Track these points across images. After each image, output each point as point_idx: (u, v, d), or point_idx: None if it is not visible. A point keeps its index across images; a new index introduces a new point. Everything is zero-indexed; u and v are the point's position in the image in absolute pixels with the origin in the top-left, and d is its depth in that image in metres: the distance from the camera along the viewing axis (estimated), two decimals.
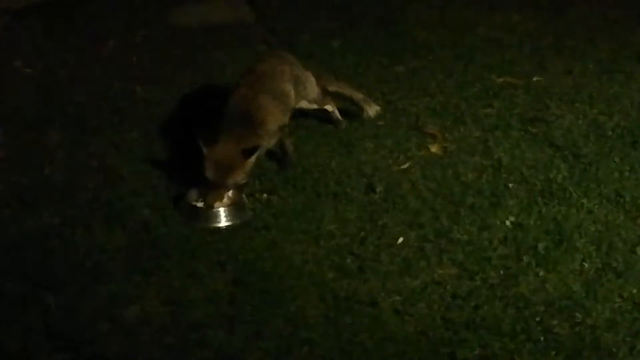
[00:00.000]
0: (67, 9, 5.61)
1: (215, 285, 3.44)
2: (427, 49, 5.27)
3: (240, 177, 3.74)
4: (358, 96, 4.45)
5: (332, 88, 4.41)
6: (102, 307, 3.33)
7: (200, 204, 3.83)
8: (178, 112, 4.53)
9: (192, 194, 3.86)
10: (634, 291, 3.38)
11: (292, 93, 4.12)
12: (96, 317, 3.28)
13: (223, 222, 3.79)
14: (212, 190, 3.77)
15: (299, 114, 4.34)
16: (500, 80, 4.91)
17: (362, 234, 3.72)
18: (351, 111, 4.50)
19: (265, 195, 3.95)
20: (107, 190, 3.99)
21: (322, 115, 4.43)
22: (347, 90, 4.44)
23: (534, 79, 4.92)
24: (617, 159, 4.16)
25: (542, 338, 3.19)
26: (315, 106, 4.33)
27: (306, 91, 4.23)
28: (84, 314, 3.30)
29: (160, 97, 4.71)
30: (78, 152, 4.26)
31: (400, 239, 3.69)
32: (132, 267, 3.53)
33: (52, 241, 3.65)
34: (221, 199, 3.76)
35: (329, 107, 4.38)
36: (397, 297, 3.39)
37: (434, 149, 4.30)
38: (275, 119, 3.95)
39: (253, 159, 3.73)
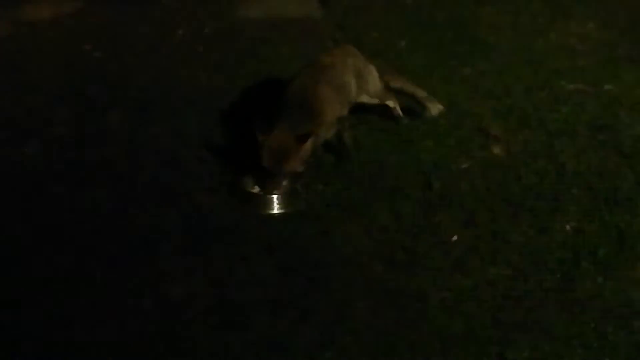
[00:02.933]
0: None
1: (263, 269, 3.41)
2: (496, 52, 5.16)
3: (295, 165, 3.70)
4: (421, 94, 4.37)
5: (395, 84, 4.34)
6: (149, 284, 3.32)
7: (254, 190, 3.79)
8: (239, 102, 4.51)
9: (247, 180, 3.84)
10: None
11: (353, 86, 4.08)
12: (142, 293, 3.27)
13: (276, 209, 3.75)
14: (268, 178, 3.72)
15: (361, 109, 4.29)
16: (570, 86, 4.77)
17: (416, 230, 3.64)
18: (414, 109, 4.42)
19: (320, 186, 3.90)
20: (165, 172, 3.99)
21: (384, 111, 4.36)
22: (411, 88, 4.37)
23: (605, 87, 4.76)
24: None
25: (595, 344, 3.07)
26: (376, 101, 4.27)
27: (368, 85, 4.18)
28: (130, 289, 3.29)
29: (223, 87, 4.70)
30: (139, 134, 4.28)
31: (455, 237, 3.60)
32: (182, 248, 3.51)
33: (105, 218, 3.66)
34: (278, 187, 3.72)
35: (390, 103, 4.32)
36: (447, 294, 3.31)
37: (496, 150, 4.20)
38: (333, 109, 3.91)
39: (308, 146, 3.69)
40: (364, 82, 4.15)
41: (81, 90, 4.62)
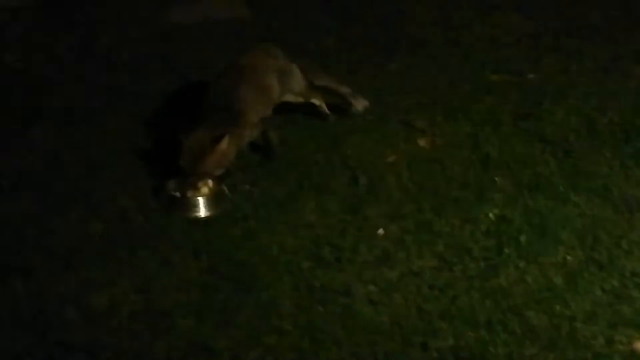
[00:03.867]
0: (63, 8, 5.59)
1: (189, 273, 3.39)
2: (422, 46, 5.21)
3: (210, 166, 3.68)
4: (345, 90, 4.39)
5: (319, 82, 4.35)
6: (72, 293, 3.28)
7: (178, 194, 3.76)
8: (165, 106, 4.49)
9: (172, 184, 3.81)
10: (616, 284, 3.29)
11: (276, 86, 4.08)
12: (65, 303, 3.23)
13: (202, 212, 3.73)
14: (189, 180, 3.71)
15: (287, 108, 4.29)
16: (494, 77, 4.83)
17: (342, 225, 3.65)
18: (339, 106, 4.43)
19: (247, 186, 3.89)
20: (88, 180, 3.95)
21: (309, 110, 4.36)
22: (334, 85, 4.39)
23: (529, 76, 4.83)
24: (607, 154, 4.08)
25: (518, 329, 3.10)
26: (301, 99, 4.28)
27: (291, 84, 4.18)
28: (53, 300, 3.25)
29: (149, 91, 4.66)
30: (61, 144, 4.22)
31: (381, 230, 3.61)
32: (106, 255, 3.48)
33: (26, 228, 3.61)
34: (194, 188, 3.72)
35: (315, 101, 4.33)
36: (373, 288, 3.32)
37: (422, 143, 4.23)
38: (255, 110, 3.91)
39: (223, 147, 3.67)
40: (287, 81, 4.15)
41: (3, 103, 4.54)
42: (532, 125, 4.34)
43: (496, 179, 3.92)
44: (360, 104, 4.39)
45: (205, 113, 3.84)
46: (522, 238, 3.53)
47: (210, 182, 3.79)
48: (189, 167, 3.68)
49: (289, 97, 4.21)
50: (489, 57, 5.08)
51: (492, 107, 4.52)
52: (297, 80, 4.21)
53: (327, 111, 4.36)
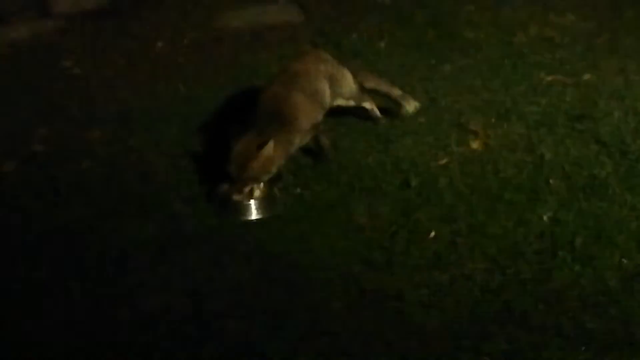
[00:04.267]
0: (119, 14, 5.69)
1: (240, 276, 3.41)
2: (476, 48, 5.16)
3: (254, 171, 3.69)
4: (396, 92, 4.37)
5: (369, 85, 4.33)
6: (125, 296, 3.32)
7: (231, 197, 3.79)
8: (219, 110, 4.52)
9: (224, 187, 3.83)
10: None
11: (327, 91, 4.07)
12: (118, 306, 3.27)
13: (253, 215, 3.76)
14: (237, 184, 3.73)
15: (338, 112, 4.28)
16: (549, 78, 4.76)
17: (394, 228, 3.64)
18: (391, 109, 4.41)
19: (298, 189, 3.90)
20: (143, 184, 4.00)
21: (361, 113, 4.35)
22: (385, 87, 4.37)
23: (584, 77, 4.75)
24: None
25: (572, 333, 3.06)
26: (352, 103, 4.26)
27: (342, 89, 4.17)
28: (106, 302, 3.29)
29: (203, 96, 4.71)
30: (118, 148, 4.28)
31: (432, 233, 3.59)
32: (159, 258, 3.52)
33: (81, 232, 3.67)
34: (240, 192, 3.73)
35: (367, 105, 4.31)
36: (425, 291, 3.30)
37: (474, 145, 4.19)
38: (307, 117, 3.91)
39: (266, 152, 3.67)
40: (338, 86, 4.14)
41: (61, 108, 4.62)
42: (588, 126, 4.27)
43: (550, 181, 3.86)
44: (411, 106, 4.36)
45: (257, 119, 3.84)
46: (577, 241, 3.48)
47: (261, 185, 3.79)
48: (234, 172, 3.70)
49: (340, 101, 4.20)
50: (543, 58, 5.01)
51: (547, 108, 4.46)
52: (348, 85, 4.20)
53: (378, 114, 4.34)
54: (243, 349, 3.08)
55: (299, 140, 3.89)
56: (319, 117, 4.01)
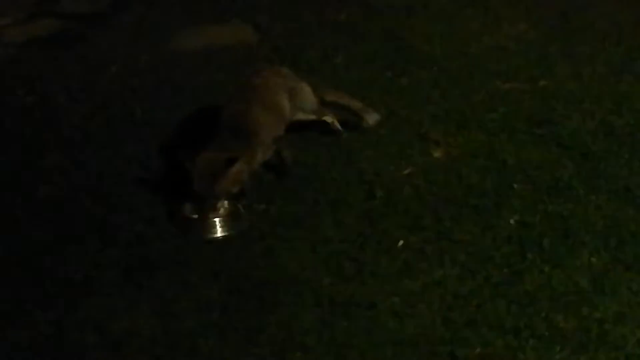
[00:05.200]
0: (71, 40, 5.60)
1: (208, 294, 3.35)
2: (432, 60, 5.15)
3: (225, 187, 3.65)
4: (357, 105, 4.36)
5: (329, 98, 4.32)
6: (91, 320, 3.24)
7: (194, 216, 3.73)
8: (177, 131, 4.45)
9: (187, 207, 3.78)
10: None
11: (287, 105, 4.05)
12: (84, 330, 3.19)
13: (218, 232, 3.70)
14: (204, 202, 3.67)
15: (299, 126, 4.25)
16: (506, 86, 4.79)
17: (361, 239, 3.61)
18: (351, 122, 4.39)
19: (263, 205, 3.85)
20: (103, 207, 3.91)
21: (322, 127, 4.32)
22: (345, 100, 4.35)
23: (541, 83, 4.78)
24: (626, 156, 4.04)
25: (546, 333, 3.05)
26: (313, 117, 4.24)
27: (302, 103, 4.15)
28: (72, 328, 3.21)
29: (160, 118, 4.63)
30: (74, 172, 4.19)
31: (401, 242, 3.56)
32: (124, 280, 3.45)
33: (43, 258, 3.58)
34: (213, 210, 3.67)
35: (327, 118, 4.29)
36: (396, 299, 3.28)
37: (437, 154, 4.18)
38: (268, 130, 3.88)
39: (239, 167, 3.63)
40: (298, 100, 4.12)
41: (15, 136, 4.53)
42: (548, 131, 4.29)
43: (514, 185, 3.86)
44: (372, 118, 4.35)
45: (217, 135, 3.80)
46: (545, 242, 3.49)
47: (225, 203, 3.74)
48: (203, 190, 3.65)
49: (301, 116, 4.18)
50: (499, 66, 5.02)
51: (506, 115, 4.47)
52: (308, 98, 4.18)
53: (339, 127, 4.32)
54: None
55: (262, 154, 3.86)
56: (281, 131, 3.98)
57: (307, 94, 4.17)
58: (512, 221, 3.63)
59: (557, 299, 3.21)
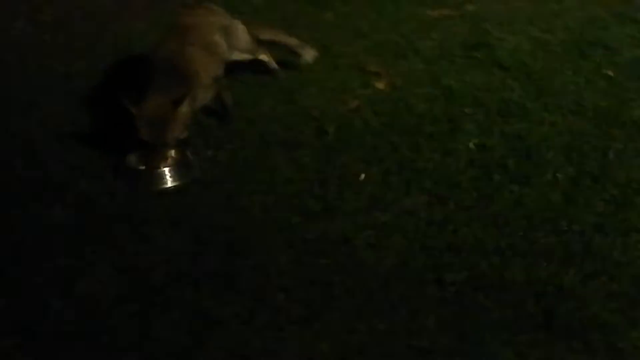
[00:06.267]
0: None
1: (174, 245, 3.16)
2: None
3: (176, 132, 3.45)
4: (293, 41, 4.20)
5: (264, 36, 4.14)
6: (53, 283, 3.01)
7: (142, 167, 3.52)
8: (102, 82, 4.19)
9: (132, 158, 3.56)
10: (615, 193, 3.22)
11: (223, 43, 3.85)
12: (48, 294, 2.96)
13: (169, 182, 3.50)
14: (152, 151, 3.46)
15: (234, 68, 4.05)
16: (435, 13, 4.71)
17: (322, 176, 3.48)
18: (288, 60, 4.22)
19: (210, 151, 3.67)
20: (37, 168, 3.64)
21: (258, 67, 4.15)
22: (281, 37, 4.19)
23: (469, 8, 4.73)
24: (569, 72, 4.04)
25: (529, 251, 3.00)
26: (248, 56, 4.05)
27: (237, 41, 3.96)
28: (32, 294, 2.97)
29: (81, 70, 4.36)
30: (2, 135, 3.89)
31: (363, 176, 3.45)
32: (78, 240, 3.21)
33: None
34: (165, 159, 3.47)
35: (264, 57, 4.11)
36: (370, 232, 3.17)
37: (380, 85, 4.09)
38: (206, 70, 3.67)
39: (185, 109, 3.43)
40: (233, 38, 3.93)
41: None
42: (486, 54, 4.26)
43: (465, 110, 3.79)
44: (310, 54, 4.20)
45: (153, 79, 3.56)
46: (509, 163, 3.45)
47: (173, 152, 3.54)
48: (152, 137, 3.43)
49: (236, 55, 3.98)
50: None
51: (441, 42, 4.42)
52: (243, 37, 3.99)
53: (275, 66, 4.16)
54: (190, 319, 2.84)
55: (203, 96, 3.65)
56: (218, 71, 3.78)
57: (242, 32, 3.99)
58: (471, 145, 3.57)
59: (532, 216, 3.17)
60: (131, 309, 2.90)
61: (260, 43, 4.11)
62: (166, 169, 3.50)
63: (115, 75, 4.21)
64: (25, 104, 4.10)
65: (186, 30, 3.79)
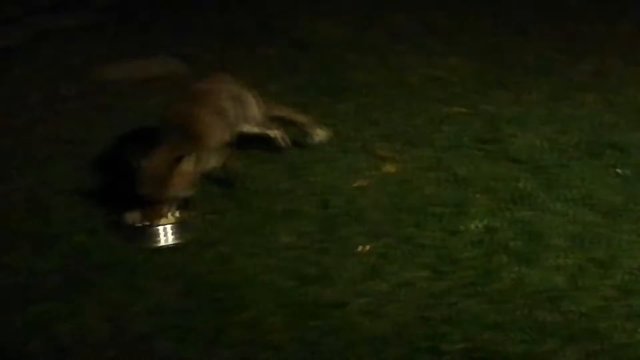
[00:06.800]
0: None
1: (163, 298, 3.07)
2: (369, 87, 5.08)
3: (175, 189, 3.39)
4: (304, 119, 4.19)
5: (276, 112, 4.13)
6: (35, 326, 2.92)
7: (138, 224, 3.45)
8: (109, 148, 4.18)
9: (131, 215, 3.50)
10: (624, 278, 3.12)
11: (232, 111, 3.83)
12: (28, 336, 2.87)
13: (162, 241, 3.42)
14: (150, 207, 3.40)
15: (243, 142, 4.03)
16: (448, 109, 4.72)
17: (322, 245, 3.42)
18: (298, 139, 4.20)
19: (213, 216, 3.61)
20: (36, 219, 3.60)
21: (267, 144, 4.12)
22: (293, 114, 4.18)
23: (482, 107, 4.74)
24: (577, 169, 3.98)
25: (531, 328, 2.88)
26: (258, 130, 4.02)
27: (248, 112, 3.94)
28: (14, 334, 2.87)
29: (89, 138, 4.37)
30: (4, 188, 3.87)
31: (366, 247, 3.38)
32: (67, 287, 3.14)
33: None
34: (160, 216, 3.40)
35: (274, 133, 4.09)
36: (366, 299, 3.07)
37: (389, 168, 4.05)
38: (214, 133, 3.65)
39: (187, 167, 3.39)
40: (244, 108, 3.92)
41: None
42: (496, 147, 4.23)
43: (476, 195, 3.74)
44: (320, 134, 4.19)
45: (162, 136, 3.54)
46: (514, 245, 3.36)
47: (172, 210, 3.48)
48: (150, 192, 3.37)
49: (247, 126, 3.96)
50: (437, 93, 4.98)
51: (452, 134, 4.40)
52: (254, 109, 3.98)
53: (285, 142, 4.12)
54: None
55: (208, 158, 3.61)
56: (227, 136, 3.74)
57: (253, 104, 3.98)
58: (478, 225, 3.49)
59: (535, 296, 3.06)
60: (110, 354, 2.78)
61: (272, 119, 4.09)
62: (161, 227, 3.43)
63: (123, 142, 4.19)
64: (29, 163, 4.11)
65: (198, 94, 3.79)
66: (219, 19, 6.29)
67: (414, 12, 6.38)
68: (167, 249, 3.40)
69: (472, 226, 3.50)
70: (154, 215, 3.41)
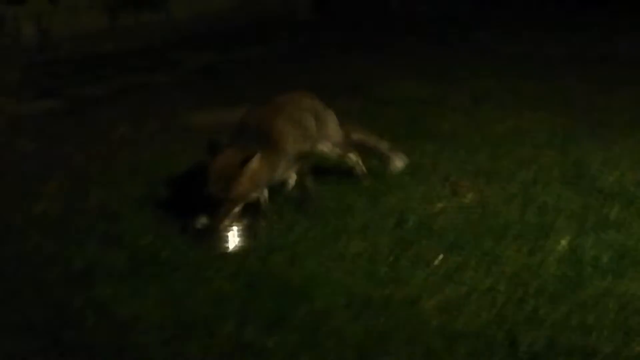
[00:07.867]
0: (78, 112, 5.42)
1: (226, 288, 2.97)
2: (453, 135, 4.95)
3: (242, 188, 3.30)
4: (384, 146, 4.07)
5: (356, 137, 4.03)
6: (95, 305, 2.87)
7: (208, 228, 3.36)
8: (184, 172, 4.14)
9: (201, 219, 3.41)
10: None
11: (312, 125, 3.75)
12: (88, 314, 2.81)
13: (236, 244, 3.32)
14: (217, 208, 3.31)
15: (321, 167, 3.94)
16: (535, 152, 4.55)
17: (395, 255, 3.27)
18: (376, 167, 4.09)
19: (284, 226, 3.50)
20: (106, 222, 3.57)
21: (344, 170, 4.01)
22: (373, 140, 4.07)
23: (571, 153, 4.56)
24: None
25: (619, 330, 2.67)
26: (337, 151, 3.92)
27: (326, 130, 3.84)
28: (75, 313, 2.84)
29: (167, 163, 4.37)
30: (76, 196, 3.87)
31: (441, 256, 3.21)
32: (131, 275, 3.12)
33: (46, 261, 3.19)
34: (227, 217, 3.31)
35: (352, 156, 3.97)
36: (440, 299, 2.89)
37: (468, 197, 3.88)
38: (289, 140, 3.56)
39: (254, 166, 3.30)
40: (322, 124, 3.82)
41: (16, 168, 4.24)
42: (587, 183, 4.03)
43: (559, 220, 3.55)
44: (400, 161, 4.06)
45: (237, 137, 3.49)
46: (602, 259, 3.15)
47: (240, 213, 3.39)
48: (219, 191, 3.29)
49: (325, 146, 3.86)
50: (524, 141, 4.80)
51: (539, 171, 4.22)
52: (334, 128, 3.88)
53: (363, 170, 4.01)
54: (237, 347, 2.62)
55: (284, 165, 3.53)
56: (301, 147, 3.65)
57: (332, 123, 3.88)
58: (561, 244, 3.29)
59: (626, 304, 2.83)
60: (166, 335, 2.66)
61: (351, 144, 3.99)
62: (229, 233, 3.33)
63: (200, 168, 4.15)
64: (104, 175, 4.13)
65: (279, 103, 3.73)
66: (306, 75, 6.30)
67: (500, 79, 6.30)
68: (233, 253, 3.29)
69: (556, 244, 3.31)
70: (222, 216, 3.31)
